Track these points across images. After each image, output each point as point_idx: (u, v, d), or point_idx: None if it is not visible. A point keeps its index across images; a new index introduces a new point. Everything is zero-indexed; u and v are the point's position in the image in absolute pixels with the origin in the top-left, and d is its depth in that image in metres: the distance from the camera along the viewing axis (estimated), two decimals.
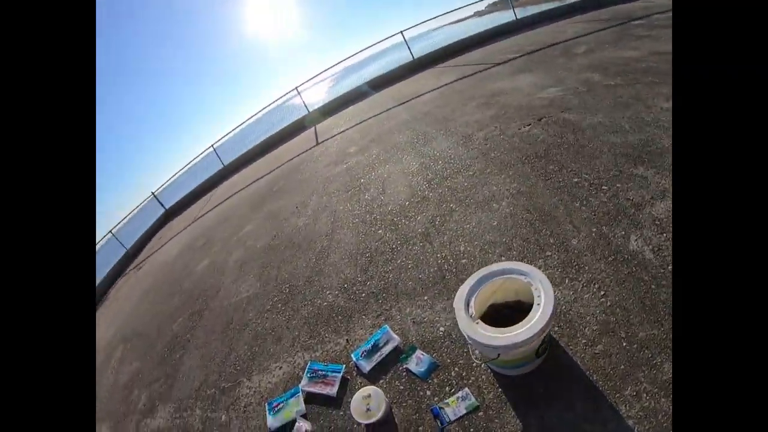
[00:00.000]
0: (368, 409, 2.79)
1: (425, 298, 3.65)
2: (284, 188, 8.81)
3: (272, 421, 3.24)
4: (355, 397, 2.89)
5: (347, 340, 3.68)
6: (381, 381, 3.14)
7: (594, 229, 3.46)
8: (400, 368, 3.14)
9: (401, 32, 15.10)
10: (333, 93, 16.52)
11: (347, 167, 7.74)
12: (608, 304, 2.86)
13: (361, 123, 10.65)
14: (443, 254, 4.03)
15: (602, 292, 2.95)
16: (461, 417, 2.64)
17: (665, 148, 3.96)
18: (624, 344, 2.59)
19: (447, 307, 3.43)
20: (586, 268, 3.18)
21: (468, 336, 2.36)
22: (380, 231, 4.96)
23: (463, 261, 3.82)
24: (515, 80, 8.14)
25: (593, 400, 2.38)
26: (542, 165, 4.61)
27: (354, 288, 4.24)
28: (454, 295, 2.62)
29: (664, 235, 3.14)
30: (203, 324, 5.25)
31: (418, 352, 3.17)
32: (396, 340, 3.34)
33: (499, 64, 10.14)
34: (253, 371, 3.91)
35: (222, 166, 16.52)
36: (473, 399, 2.70)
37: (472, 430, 2.56)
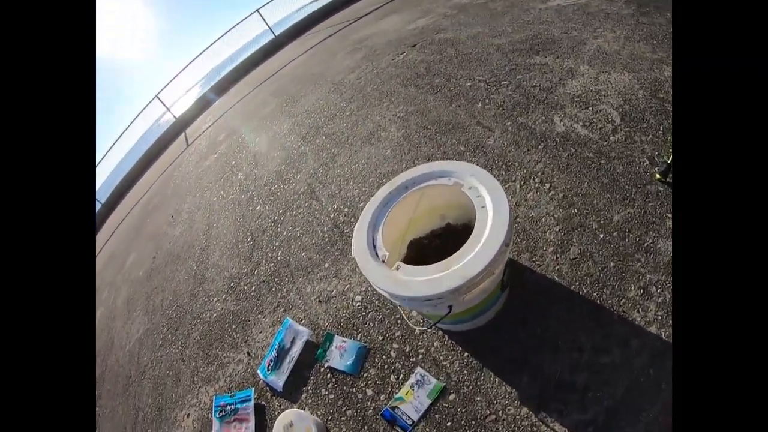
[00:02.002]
0: None
1: (326, 265, 2.80)
2: (159, 203, 7.65)
3: None
4: (274, 431, 2.04)
5: (248, 352, 2.79)
6: (303, 395, 2.29)
7: (508, 123, 2.84)
8: (321, 368, 2.29)
9: (257, 11, 13.57)
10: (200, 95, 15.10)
11: (218, 156, 6.76)
12: (560, 196, 2.17)
13: (229, 110, 9.61)
14: (335, 206, 3.21)
15: (547, 185, 2.27)
16: (427, 411, 1.82)
17: (556, 37, 3.60)
18: (601, 235, 1.87)
19: (356, 268, 2.57)
20: (516, 164, 2.49)
21: (389, 293, 1.45)
22: (258, 207, 3.99)
23: (361, 205, 3.03)
24: (382, 24, 7.62)
25: (595, 320, 1.66)
26: (427, 81, 3.99)
27: (241, 284, 3.30)
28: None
29: (590, 108, 2.62)
30: (106, 389, 4.27)
31: (338, 340, 2.33)
32: (304, 333, 2.46)
33: (363, 15, 9.57)
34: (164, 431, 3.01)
35: (99, 204, 14.70)
36: (434, 381, 1.88)
37: (450, 423, 1.75)
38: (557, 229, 2.02)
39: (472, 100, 3.31)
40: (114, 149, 15.44)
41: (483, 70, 3.63)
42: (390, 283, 1.42)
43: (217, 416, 2.55)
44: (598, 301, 1.69)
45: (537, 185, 2.27)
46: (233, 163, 5.70)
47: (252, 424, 2.39)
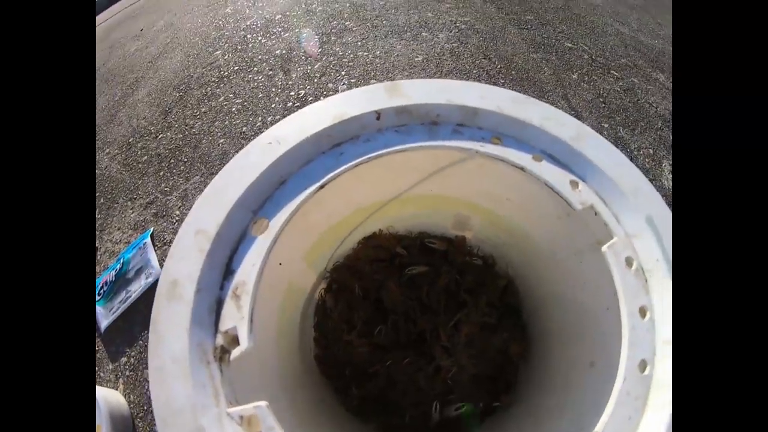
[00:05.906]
0: None
1: None
2: (145, 11, 6.38)
3: None
4: None
5: (97, 248, 1.87)
6: (123, 358, 1.47)
7: (605, 125, 2.02)
8: None
9: None
10: None
11: None
12: None
13: None
14: (299, 92, 2.15)
15: None
16: None
17: None
18: None
19: None
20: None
21: None
22: (218, 52, 2.86)
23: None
24: None
25: None
26: (515, 10, 2.93)
27: (139, 144, 2.31)
28: None
29: None
30: None
31: None
32: (155, 270, 1.51)
33: None
34: None
35: None
36: None
37: None
38: None
39: (567, 66, 2.38)
40: None
41: (594, 43, 2.66)
42: None
43: None
44: None
45: None
46: None
47: None
